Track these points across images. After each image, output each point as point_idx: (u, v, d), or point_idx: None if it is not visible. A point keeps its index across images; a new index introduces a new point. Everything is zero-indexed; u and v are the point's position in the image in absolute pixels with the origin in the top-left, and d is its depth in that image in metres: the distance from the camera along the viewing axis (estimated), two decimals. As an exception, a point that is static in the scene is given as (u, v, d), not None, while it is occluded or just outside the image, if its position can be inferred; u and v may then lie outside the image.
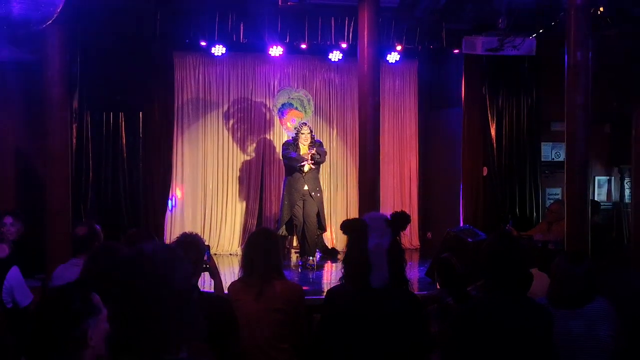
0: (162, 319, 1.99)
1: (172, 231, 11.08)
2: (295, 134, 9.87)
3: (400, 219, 3.67)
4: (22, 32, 7.60)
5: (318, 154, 9.70)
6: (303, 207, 9.77)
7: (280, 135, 11.48)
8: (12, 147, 9.59)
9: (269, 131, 11.71)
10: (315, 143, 9.90)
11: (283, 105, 10.44)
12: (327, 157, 10.69)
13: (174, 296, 2.01)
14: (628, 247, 9.55)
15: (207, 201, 11.51)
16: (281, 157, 10.19)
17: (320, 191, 10.06)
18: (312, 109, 10.71)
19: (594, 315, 3.91)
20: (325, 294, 3.91)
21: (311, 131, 9.90)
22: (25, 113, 9.42)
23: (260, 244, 4.40)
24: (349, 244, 3.70)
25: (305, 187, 9.76)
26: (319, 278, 9.41)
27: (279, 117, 10.59)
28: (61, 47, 8.33)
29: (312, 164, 9.71)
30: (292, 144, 9.87)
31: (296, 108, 10.41)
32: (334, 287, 3.87)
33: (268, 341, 4.25)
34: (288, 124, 10.37)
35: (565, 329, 3.83)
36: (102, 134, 9.85)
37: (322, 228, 10.08)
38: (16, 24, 6.73)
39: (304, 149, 9.75)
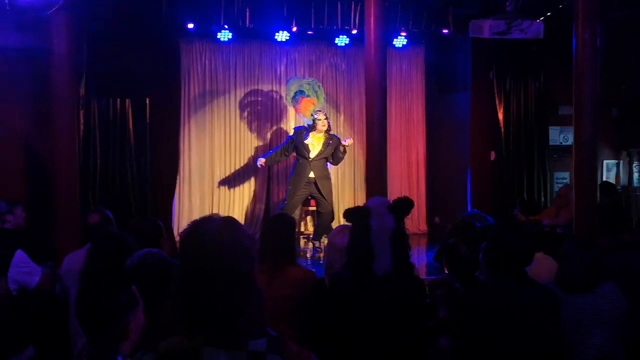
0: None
1: (180, 217, 11.11)
2: (313, 121, 9.87)
3: (402, 205, 3.66)
4: (28, 18, 7.62)
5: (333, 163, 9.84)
6: (314, 195, 9.78)
7: (287, 120, 11.49)
8: (19, 134, 9.59)
9: (276, 116, 11.70)
10: (333, 138, 9.88)
11: (296, 93, 10.41)
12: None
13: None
14: (637, 230, 9.52)
15: (215, 187, 11.53)
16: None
17: (328, 178, 10.04)
18: (324, 94, 10.66)
19: (602, 299, 3.90)
20: (327, 279, 3.90)
21: (327, 118, 9.92)
22: (32, 100, 9.41)
23: (275, 230, 4.40)
24: (352, 231, 3.69)
25: (312, 174, 9.75)
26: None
27: (294, 106, 10.57)
28: (67, 33, 8.33)
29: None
30: (300, 131, 9.88)
31: (308, 95, 10.39)
32: (335, 272, 3.85)
33: (278, 328, 4.24)
34: (305, 112, 10.34)
35: (573, 313, 3.83)
36: (109, 120, 9.85)
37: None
38: (22, 9, 6.73)
39: (317, 137, 9.75)
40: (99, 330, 2.56)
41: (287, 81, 10.85)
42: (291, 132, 10.37)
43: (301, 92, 10.33)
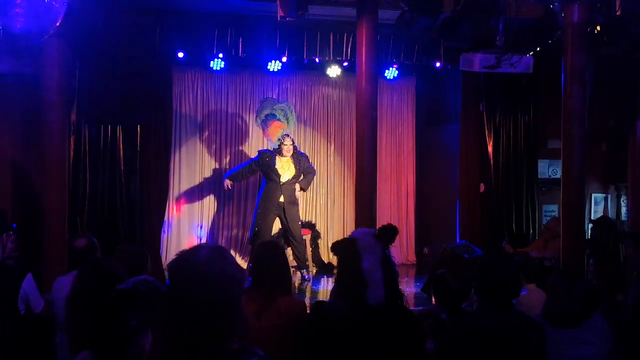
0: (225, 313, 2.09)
1: (169, 245, 11.08)
2: (278, 145, 9.92)
3: (387, 232, 3.66)
4: (22, 44, 7.65)
5: (303, 188, 9.86)
6: (282, 221, 9.77)
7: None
8: (10, 159, 9.59)
9: (267, 144, 11.69)
10: (299, 156, 9.96)
11: (266, 116, 10.48)
12: (325, 172, 10.74)
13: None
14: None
15: (204, 215, 11.51)
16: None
17: (295, 203, 10.07)
18: (295, 119, 10.76)
19: (589, 333, 3.90)
20: (312, 309, 3.86)
21: (293, 142, 9.98)
22: (23, 125, 9.43)
23: (267, 259, 4.33)
24: (342, 264, 3.67)
25: (281, 199, 9.73)
26: (315, 294, 9.40)
27: (263, 129, 10.65)
28: (60, 60, 8.37)
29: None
30: (267, 154, 9.92)
31: (279, 119, 10.45)
32: (325, 304, 3.83)
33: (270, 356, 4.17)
34: (273, 137, 10.39)
35: (560, 347, 3.82)
36: (100, 147, 9.84)
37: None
38: (16, 36, 6.77)
39: (285, 161, 9.79)
40: (112, 354, 2.58)
41: (261, 101, 10.91)
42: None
43: (273, 115, 10.39)
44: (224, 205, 11.59)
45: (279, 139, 10.02)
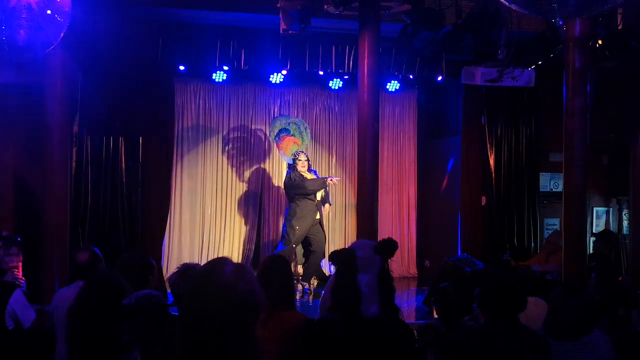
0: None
1: (170, 256, 11.05)
2: (293, 160, 9.93)
3: (387, 246, 3.66)
4: (26, 56, 7.69)
5: (330, 203, 10.25)
6: (314, 237, 9.84)
7: (279, 163, 11.50)
8: (12, 169, 9.60)
9: (268, 158, 11.72)
10: (309, 172, 10.04)
11: (280, 131, 10.51)
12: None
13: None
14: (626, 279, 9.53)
15: (205, 227, 11.48)
16: (289, 184, 10.00)
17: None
18: (309, 137, 10.78)
19: (590, 347, 3.89)
20: (313, 323, 3.84)
21: (308, 159, 10.01)
22: (25, 135, 9.45)
23: (274, 271, 4.31)
24: (338, 274, 3.67)
25: (318, 216, 9.84)
26: (316, 307, 9.37)
27: (276, 143, 10.67)
28: (63, 71, 8.41)
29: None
30: (296, 174, 9.94)
31: (293, 135, 10.48)
32: (322, 317, 3.82)
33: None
34: (286, 150, 10.42)
35: (562, 361, 3.82)
36: (102, 158, 9.86)
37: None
38: (20, 48, 6.80)
39: (311, 177, 9.88)
40: None
41: (274, 118, 10.95)
42: (284, 172, 10.49)
43: (286, 130, 10.44)
44: (226, 217, 11.58)
45: (293, 155, 10.05)
